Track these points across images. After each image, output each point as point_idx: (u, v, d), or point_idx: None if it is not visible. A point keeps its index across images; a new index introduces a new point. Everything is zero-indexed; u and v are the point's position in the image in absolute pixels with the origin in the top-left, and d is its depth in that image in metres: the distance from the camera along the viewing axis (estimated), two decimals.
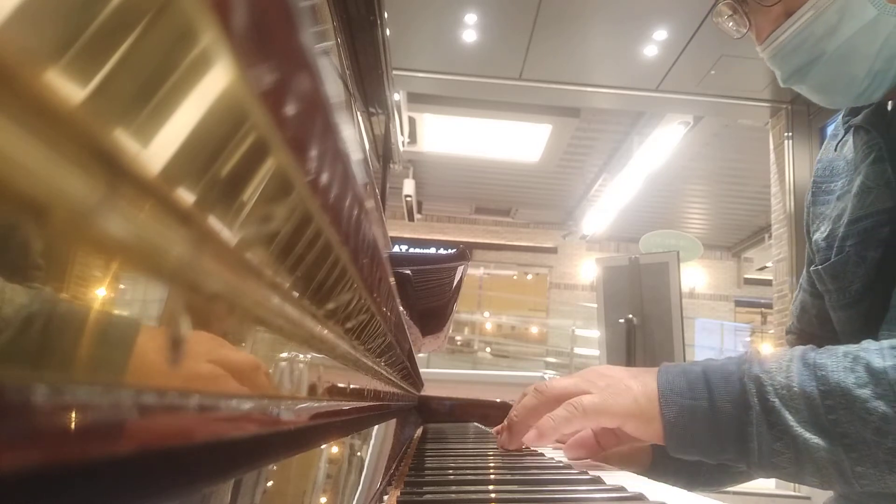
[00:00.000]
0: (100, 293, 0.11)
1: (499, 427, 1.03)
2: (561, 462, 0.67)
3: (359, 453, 0.45)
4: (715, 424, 0.65)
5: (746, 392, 0.65)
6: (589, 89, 4.90)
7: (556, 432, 0.67)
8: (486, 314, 10.65)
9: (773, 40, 0.77)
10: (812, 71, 0.77)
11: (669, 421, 0.66)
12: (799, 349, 0.67)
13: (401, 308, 0.59)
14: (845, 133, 0.87)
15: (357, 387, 0.44)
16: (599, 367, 0.74)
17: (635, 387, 0.68)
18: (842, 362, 0.62)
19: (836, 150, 0.90)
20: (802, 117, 4.51)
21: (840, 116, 0.90)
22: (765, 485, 3.59)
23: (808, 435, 0.61)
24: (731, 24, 0.82)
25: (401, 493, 0.45)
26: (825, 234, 0.85)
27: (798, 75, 0.78)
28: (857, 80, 0.75)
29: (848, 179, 0.84)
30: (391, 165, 3.55)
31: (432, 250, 9.21)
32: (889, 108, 0.79)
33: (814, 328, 0.94)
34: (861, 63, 0.74)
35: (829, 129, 0.90)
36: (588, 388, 0.69)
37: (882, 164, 0.77)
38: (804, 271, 0.95)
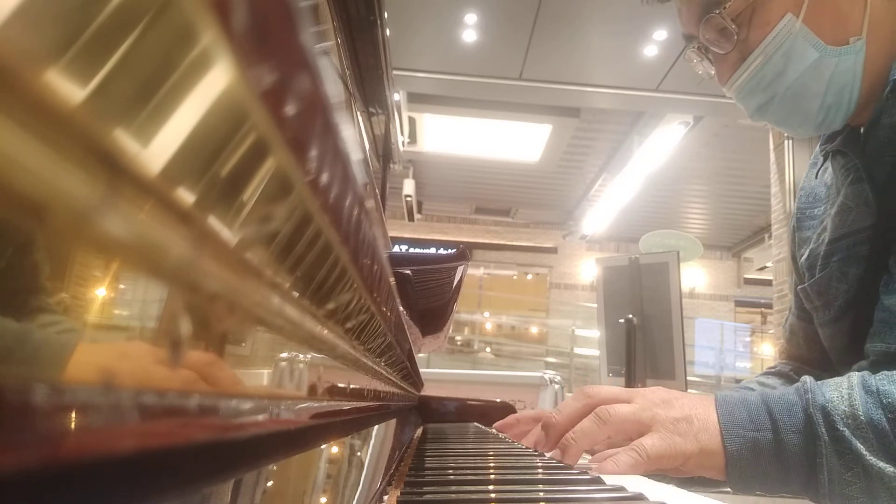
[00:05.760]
0: (100, 293, 0.11)
1: (500, 423, 1.04)
2: (561, 462, 0.67)
3: (359, 453, 0.45)
4: (780, 457, 0.64)
5: (813, 423, 0.63)
6: (589, 89, 4.91)
7: (618, 473, 0.65)
8: (486, 314, 10.66)
9: (733, 83, 0.83)
10: (770, 108, 0.82)
11: (732, 455, 0.65)
12: (856, 376, 0.66)
13: (401, 308, 0.59)
14: (824, 160, 0.91)
15: (357, 387, 0.44)
16: (658, 391, 0.71)
17: (696, 421, 0.67)
18: None
19: (816, 177, 0.94)
20: None
21: (818, 146, 0.94)
22: None
23: (881, 464, 0.60)
24: (699, 69, 0.87)
25: (401, 493, 0.45)
26: (808, 254, 0.89)
27: (760, 112, 0.84)
28: (811, 113, 0.80)
29: (830, 203, 0.87)
30: (391, 165, 3.56)
31: (432, 250, 9.22)
32: (861, 131, 0.82)
33: (801, 350, 0.98)
34: (813, 100, 0.79)
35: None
36: (648, 419, 0.67)
37: (861, 185, 0.79)
38: (792, 296, 0.98)
